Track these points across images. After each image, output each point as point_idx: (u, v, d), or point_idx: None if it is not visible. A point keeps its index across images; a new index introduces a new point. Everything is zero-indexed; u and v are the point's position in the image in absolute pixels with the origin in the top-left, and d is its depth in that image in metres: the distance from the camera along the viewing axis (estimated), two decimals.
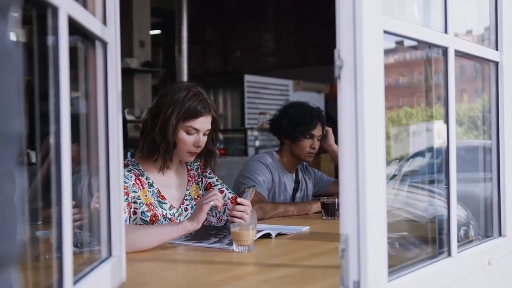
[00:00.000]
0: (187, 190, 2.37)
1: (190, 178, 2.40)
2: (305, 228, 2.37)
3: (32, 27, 1.03)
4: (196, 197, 2.39)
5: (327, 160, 6.58)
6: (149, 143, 2.21)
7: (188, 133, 2.20)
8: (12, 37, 0.61)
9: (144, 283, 1.55)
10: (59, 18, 1.00)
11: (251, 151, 7.33)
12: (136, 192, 2.16)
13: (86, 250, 1.41)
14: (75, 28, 1.10)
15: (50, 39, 1.01)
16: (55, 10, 0.99)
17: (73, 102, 1.08)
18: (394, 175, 1.91)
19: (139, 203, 2.16)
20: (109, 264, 1.32)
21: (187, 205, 2.35)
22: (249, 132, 7.51)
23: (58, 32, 1.00)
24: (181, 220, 2.26)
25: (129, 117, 7.12)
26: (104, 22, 1.35)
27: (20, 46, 0.62)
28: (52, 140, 1.00)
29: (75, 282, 1.07)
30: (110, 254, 1.36)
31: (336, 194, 2.95)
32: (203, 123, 2.21)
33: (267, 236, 2.13)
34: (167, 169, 2.28)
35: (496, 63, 1.80)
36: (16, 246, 0.57)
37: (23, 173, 0.61)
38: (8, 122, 0.57)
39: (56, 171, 0.99)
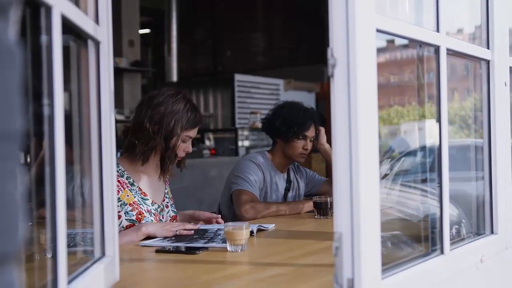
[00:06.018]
0: (166, 189, 2.46)
1: (166, 179, 2.48)
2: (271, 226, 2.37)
3: (24, 25, 1.02)
4: (170, 197, 2.48)
5: (317, 160, 6.59)
6: (150, 150, 2.26)
7: (184, 141, 2.30)
8: (13, 36, 0.61)
9: (137, 283, 1.55)
10: (52, 17, 0.99)
11: (242, 151, 7.32)
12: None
13: (78, 249, 1.41)
14: (67, 27, 1.09)
15: (43, 38, 1.00)
16: (48, 9, 0.98)
17: (65, 101, 1.08)
18: (386, 174, 1.92)
19: (121, 205, 2.18)
20: (103, 263, 1.31)
21: (167, 202, 2.44)
22: (239, 132, 7.49)
23: (51, 31, 0.99)
24: (164, 215, 2.38)
25: (118, 117, 7.07)
26: (97, 21, 1.34)
27: (21, 45, 0.62)
28: (46, 140, 0.99)
29: (69, 282, 1.07)
30: (103, 254, 1.36)
31: (328, 193, 2.95)
32: (196, 131, 2.34)
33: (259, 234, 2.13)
34: (163, 173, 2.36)
35: (488, 62, 1.80)
36: (18, 243, 0.57)
37: (24, 171, 0.61)
38: (10, 120, 0.57)
39: (50, 172, 0.99)
